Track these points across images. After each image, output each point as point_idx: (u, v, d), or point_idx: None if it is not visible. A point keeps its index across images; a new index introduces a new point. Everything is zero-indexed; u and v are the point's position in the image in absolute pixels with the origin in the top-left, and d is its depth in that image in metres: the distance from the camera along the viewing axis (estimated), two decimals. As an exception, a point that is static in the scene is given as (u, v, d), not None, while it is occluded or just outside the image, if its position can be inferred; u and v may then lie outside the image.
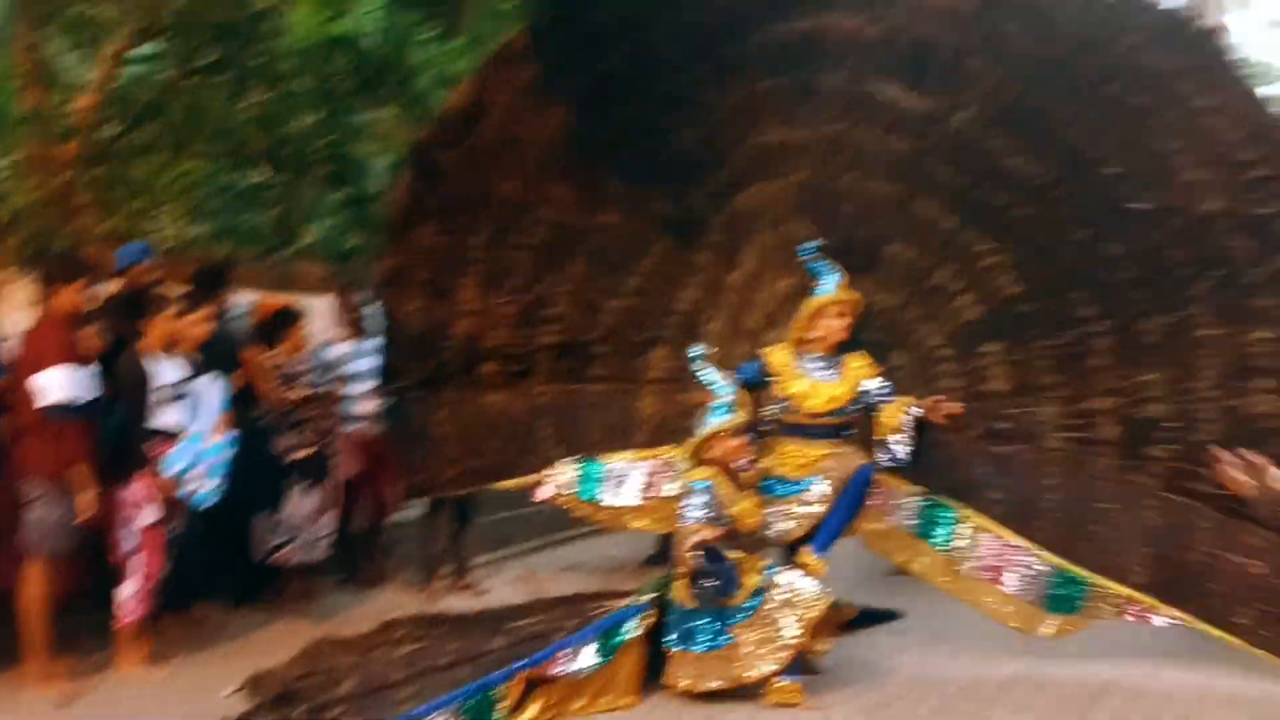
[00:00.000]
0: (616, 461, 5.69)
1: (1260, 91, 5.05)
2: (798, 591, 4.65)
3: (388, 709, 4.29)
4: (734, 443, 4.84)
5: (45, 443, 4.61)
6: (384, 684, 4.55)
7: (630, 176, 5.50)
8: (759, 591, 4.67)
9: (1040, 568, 4.99)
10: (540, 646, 4.60)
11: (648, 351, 5.78)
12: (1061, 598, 4.95)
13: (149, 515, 4.86)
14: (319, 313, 7.00)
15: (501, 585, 6.63)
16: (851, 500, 5.09)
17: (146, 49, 7.69)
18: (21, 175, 6.08)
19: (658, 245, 5.66)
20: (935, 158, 5.21)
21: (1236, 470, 4.07)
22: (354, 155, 8.70)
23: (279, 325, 6.14)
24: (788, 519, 5.11)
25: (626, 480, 5.66)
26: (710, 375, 5.00)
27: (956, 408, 5.00)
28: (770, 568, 4.77)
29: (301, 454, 5.92)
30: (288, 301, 6.65)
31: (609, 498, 5.66)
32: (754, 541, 4.99)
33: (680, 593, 4.73)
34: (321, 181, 8.65)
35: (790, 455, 5.20)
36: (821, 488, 5.10)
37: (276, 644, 5.31)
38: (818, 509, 5.08)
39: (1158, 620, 4.90)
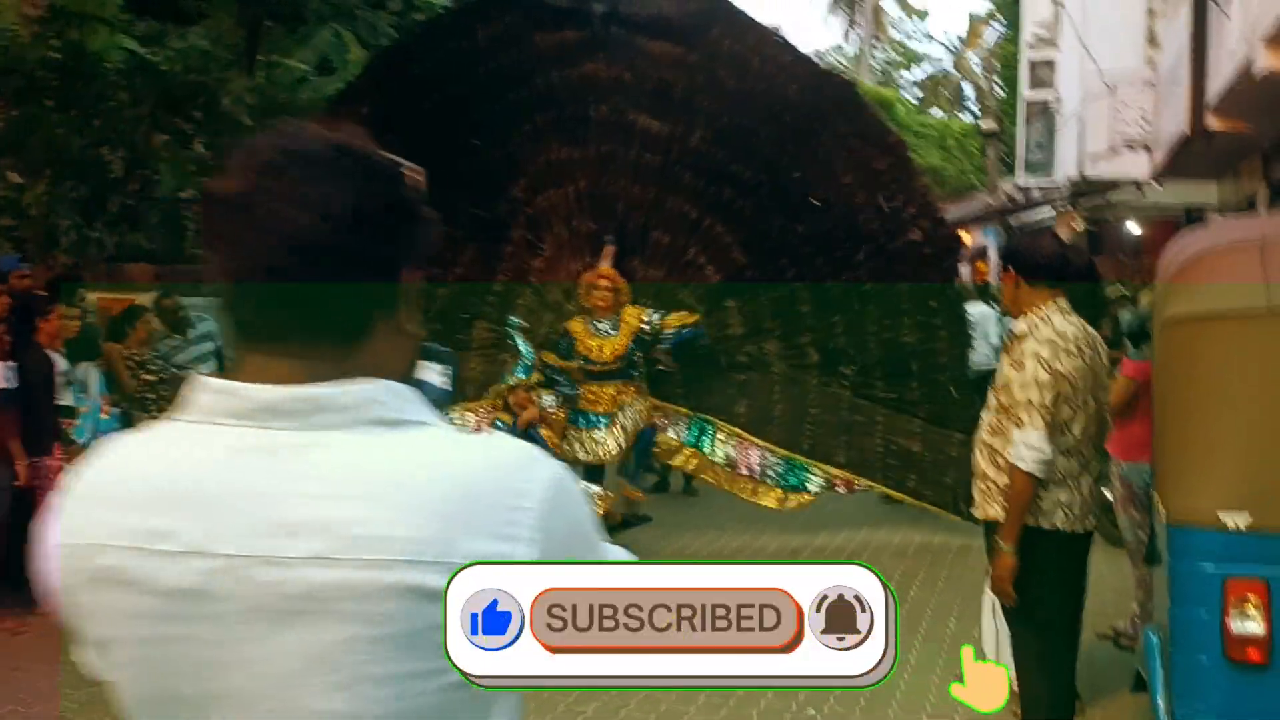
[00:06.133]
0: (449, 414, 7.09)
1: (884, 118, 7.15)
2: (587, 489, 6.28)
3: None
4: (525, 395, 6.43)
5: (-13, 424, 5.41)
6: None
7: (449, 191, 6.89)
8: None
9: (774, 459, 6.87)
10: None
11: (471, 324, 7.22)
12: (792, 479, 6.84)
13: (66, 480, 5.77)
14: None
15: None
16: (642, 451, 6.86)
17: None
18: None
19: (474, 243, 7.09)
20: (679, 167, 6.96)
21: None
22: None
23: (126, 320, 6.83)
24: (589, 447, 6.75)
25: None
26: (519, 341, 6.56)
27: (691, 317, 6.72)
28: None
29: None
30: (132, 299, 7.46)
31: None
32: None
33: None
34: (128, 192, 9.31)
35: (591, 395, 6.84)
36: (615, 432, 6.75)
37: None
38: (611, 445, 6.71)
39: (856, 486, 6.90)
